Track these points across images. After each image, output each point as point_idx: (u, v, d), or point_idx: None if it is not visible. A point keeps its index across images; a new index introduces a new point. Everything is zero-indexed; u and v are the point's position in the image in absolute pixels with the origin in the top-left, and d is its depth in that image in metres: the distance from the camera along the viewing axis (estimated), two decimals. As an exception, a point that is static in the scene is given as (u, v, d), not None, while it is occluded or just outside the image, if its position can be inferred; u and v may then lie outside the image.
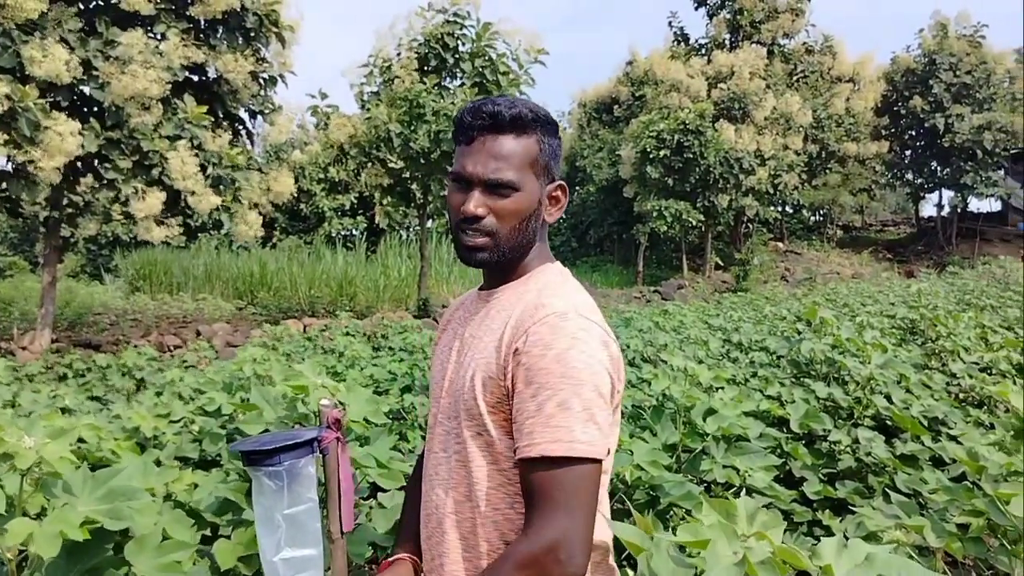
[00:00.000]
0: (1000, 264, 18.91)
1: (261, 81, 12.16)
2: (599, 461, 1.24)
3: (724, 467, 2.96)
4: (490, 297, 1.45)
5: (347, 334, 9.40)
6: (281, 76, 12.43)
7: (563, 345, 1.24)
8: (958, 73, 28.97)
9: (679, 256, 28.56)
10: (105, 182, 10.42)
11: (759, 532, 1.23)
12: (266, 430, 2.11)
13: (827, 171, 30.65)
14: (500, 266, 1.43)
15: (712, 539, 1.21)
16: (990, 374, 4.48)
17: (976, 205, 34.95)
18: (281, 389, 1.98)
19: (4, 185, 10.44)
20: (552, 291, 1.36)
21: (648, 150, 24.62)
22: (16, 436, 1.60)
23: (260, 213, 12.30)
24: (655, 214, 24.65)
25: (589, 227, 32.79)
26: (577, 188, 33.87)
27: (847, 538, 1.27)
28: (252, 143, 13.18)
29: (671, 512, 2.70)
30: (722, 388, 3.51)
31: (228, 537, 1.86)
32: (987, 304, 9.26)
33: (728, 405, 3.18)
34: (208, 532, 2.03)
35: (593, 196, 32.21)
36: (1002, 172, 30.27)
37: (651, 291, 23.46)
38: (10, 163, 9.99)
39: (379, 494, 2.36)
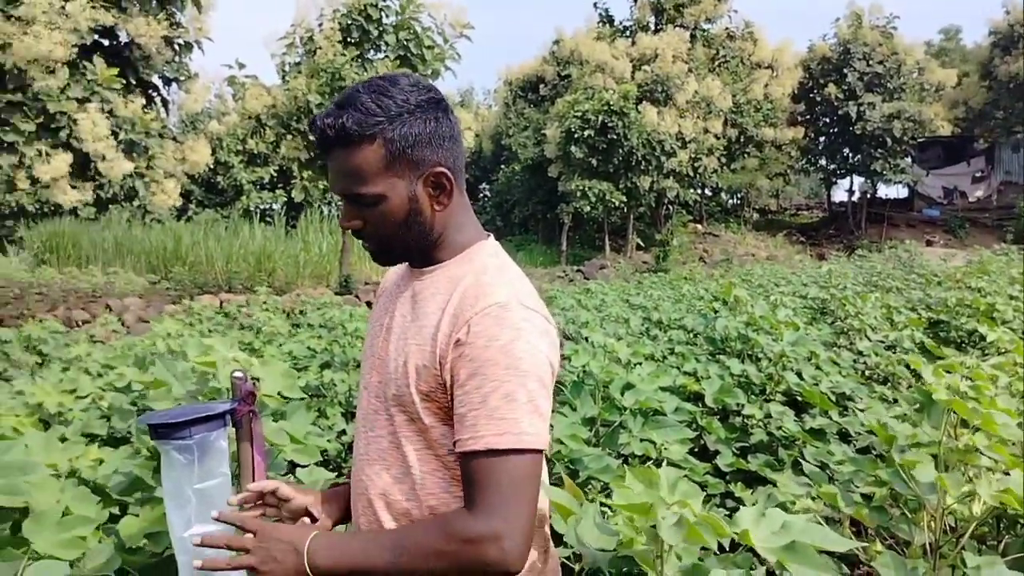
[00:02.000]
0: (906, 248, 19.76)
1: (176, 47, 11.75)
2: (542, 452, 1.24)
3: (641, 440, 3.01)
4: (421, 275, 1.39)
5: (265, 310, 9.20)
6: (197, 43, 12.03)
7: (507, 337, 1.22)
8: (871, 63, 30.00)
9: (602, 236, 28.89)
10: (5, 145, 9.91)
11: (681, 500, 1.26)
12: (177, 404, 2.05)
13: (745, 155, 31.43)
14: (413, 256, 1.39)
15: (650, 503, 1.23)
16: (894, 352, 4.68)
17: (884, 191, 36.40)
18: (191, 363, 1.92)
19: None
20: (490, 278, 1.31)
21: (573, 130, 24.78)
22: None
23: (177, 183, 11.92)
24: (579, 194, 24.86)
25: (514, 206, 32.84)
26: (502, 167, 33.86)
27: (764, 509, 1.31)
28: (167, 111, 12.74)
29: (589, 485, 2.73)
30: (640, 364, 3.57)
31: (136, 515, 1.79)
32: (893, 286, 9.65)
33: (646, 380, 3.23)
34: (116, 511, 1.96)
35: (518, 175, 32.25)
36: (909, 159, 31.62)
37: (574, 270, 23.70)
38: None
39: (297, 470, 2.32)
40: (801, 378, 3.88)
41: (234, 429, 1.45)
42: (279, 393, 1.95)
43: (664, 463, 2.89)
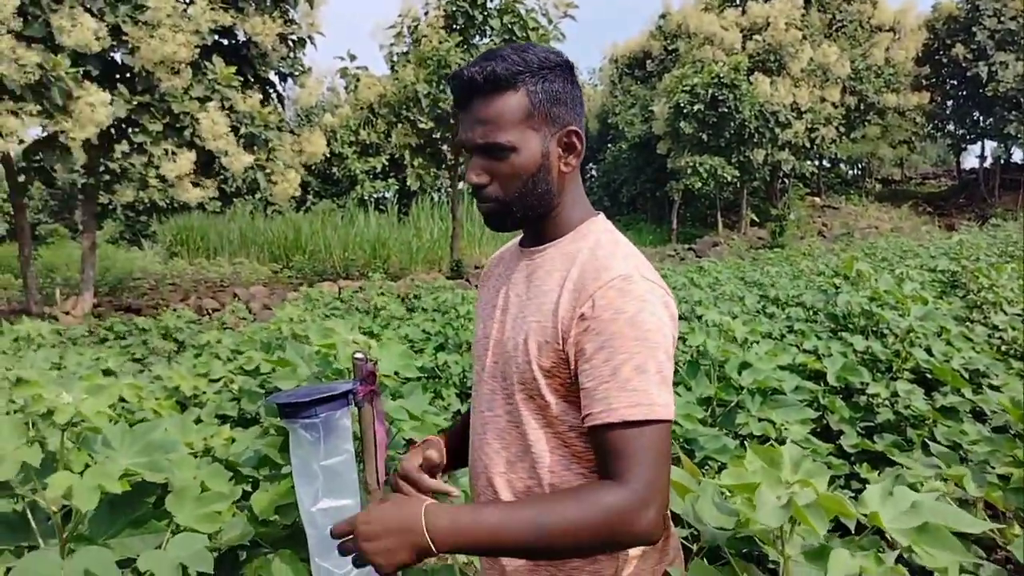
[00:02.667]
0: (1045, 215, 18.43)
1: (290, 43, 12.14)
2: (671, 421, 1.23)
3: (759, 420, 2.94)
4: (534, 255, 1.39)
5: (381, 295, 9.46)
6: (310, 38, 12.39)
7: (633, 308, 1.21)
8: (1002, 19, 28.02)
9: (714, 213, 28.26)
10: (136, 146, 10.52)
11: (803, 479, 1.22)
12: (299, 385, 2.13)
13: (866, 123, 29.98)
14: (532, 223, 1.38)
15: (762, 483, 1.20)
16: (1034, 326, 4.38)
17: (1020, 156, 34.06)
18: (315, 346, 2.00)
19: (39, 155, 10.58)
20: (607, 251, 1.31)
21: (682, 105, 24.27)
22: (55, 393, 1.63)
23: (296, 173, 12.37)
24: (689, 170, 24.37)
25: (621, 185, 32.50)
26: (609, 146, 33.54)
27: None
28: (283, 106, 13.20)
29: (706, 466, 2.69)
30: (757, 342, 3.48)
31: (266, 491, 1.88)
32: (1031, 256, 9.04)
33: (763, 359, 3.15)
34: (248, 488, 2.06)
35: (625, 153, 31.88)
36: (1048, 121, 29.41)
37: (685, 249, 23.28)
38: (44, 132, 10.13)
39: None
40: (930, 354, 3.69)
41: (356, 408, 1.49)
42: (396, 373, 2.00)
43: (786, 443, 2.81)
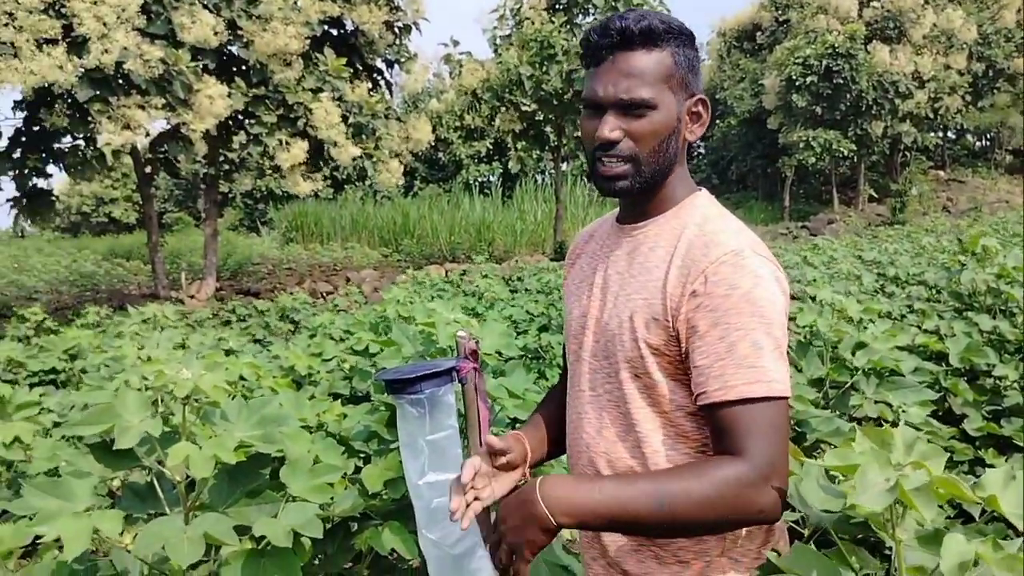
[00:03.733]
0: None
1: (396, 30, 12.37)
2: (789, 398, 1.20)
3: (875, 402, 2.82)
4: (635, 231, 1.37)
5: (485, 276, 9.58)
6: (415, 24, 12.59)
7: (748, 284, 1.19)
8: None
9: (829, 189, 27.19)
10: (252, 137, 10.97)
11: (917, 462, 1.16)
12: (406, 362, 2.19)
13: (995, 91, 28.09)
14: (642, 194, 1.34)
15: (862, 465, 1.15)
16: None
17: None
18: (419, 326, 2.05)
19: (164, 146, 11.19)
20: (715, 226, 1.28)
21: (794, 77, 23.41)
22: (175, 369, 1.73)
23: (401, 162, 12.63)
24: (802, 145, 23.51)
25: (731, 162, 31.68)
26: (717, 122, 32.68)
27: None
28: (391, 93, 13.48)
29: (819, 449, 2.60)
30: (873, 322, 3.33)
31: (375, 465, 1.95)
32: None
33: (880, 339, 3.01)
34: (360, 463, 2.14)
35: (735, 129, 31.04)
36: None
37: (798, 227, 22.51)
38: (168, 124, 10.70)
39: (516, 426, 2.41)
40: (1066, 335, 3.45)
41: (459, 385, 1.52)
42: (498, 352, 2.03)
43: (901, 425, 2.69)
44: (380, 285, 13.01)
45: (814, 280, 5.59)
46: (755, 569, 1.28)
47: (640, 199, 1.36)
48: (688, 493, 1.14)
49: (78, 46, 8.98)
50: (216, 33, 9.80)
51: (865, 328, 3.30)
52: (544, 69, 14.23)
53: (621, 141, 1.29)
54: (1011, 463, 2.41)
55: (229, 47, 10.77)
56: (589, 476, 1.34)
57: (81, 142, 10.62)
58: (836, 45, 22.86)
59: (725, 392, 1.17)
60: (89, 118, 9.43)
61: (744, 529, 1.28)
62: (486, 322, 2.09)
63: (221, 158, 12.03)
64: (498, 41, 15.96)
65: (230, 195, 15.02)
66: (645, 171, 1.30)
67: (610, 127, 1.28)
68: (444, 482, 1.45)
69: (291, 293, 9.74)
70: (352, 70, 11.50)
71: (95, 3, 8.86)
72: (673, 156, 1.32)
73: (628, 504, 1.15)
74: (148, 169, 12.06)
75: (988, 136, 31.89)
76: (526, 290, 7.87)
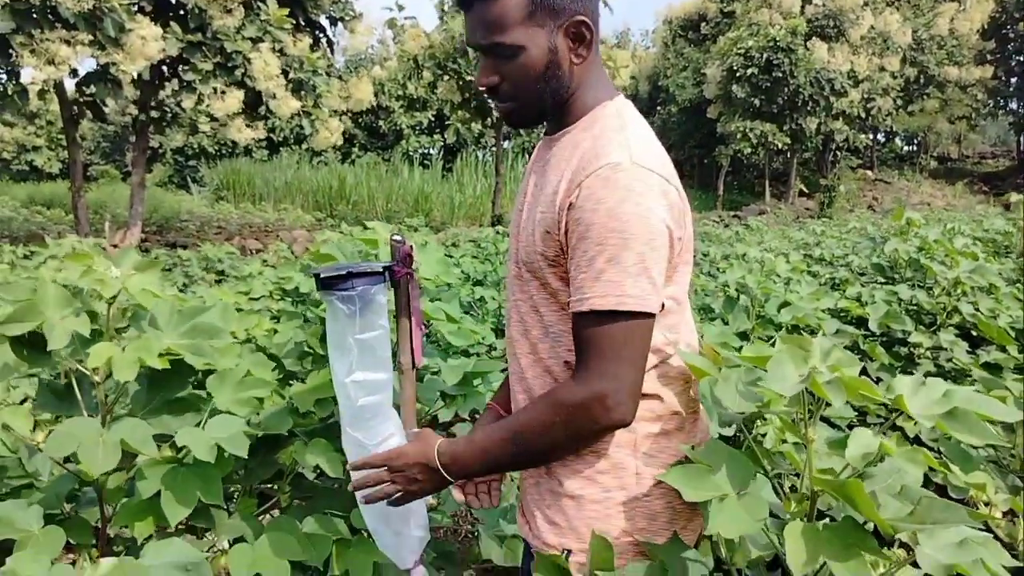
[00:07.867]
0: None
1: (342, -14, 12.12)
2: (651, 315, 1.22)
3: (797, 358, 2.91)
4: (552, 144, 1.39)
5: (425, 244, 9.52)
6: (362, -18, 12.34)
7: (615, 198, 1.19)
8: (1077, -9, 26.90)
9: (761, 182, 27.80)
10: (185, 84, 10.62)
11: (833, 365, 1.20)
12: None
13: (924, 96, 29.10)
14: (548, 116, 1.38)
15: (777, 356, 1.19)
16: (1088, 290, 4.24)
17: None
18: (358, 240, 2.02)
19: (92, 87, 10.73)
20: (607, 138, 1.27)
21: (735, 68, 23.78)
22: (104, 267, 1.67)
23: (340, 122, 12.41)
24: (739, 136, 23.95)
25: (669, 149, 31.65)
26: (659, 109, 33.05)
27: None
28: (332, 52, 13.20)
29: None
30: (799, 283, 3.43)
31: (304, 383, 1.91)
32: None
33: (805, 299, 3.11)
34: (290, 381, 2.10)
35: (675, 117, 31.42)
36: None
37: (731, 216, 22.96)
38: (97, 65, 10.26)
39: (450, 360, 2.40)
40: (977, 310, 3.61)
41: (392, 287, 1.51)
42: (436, 277, 2.01)
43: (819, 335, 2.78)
44: (311, 246, 12.80)
45: (743, 238, 5.70)
46: (671, 464, 1.32)
47: (554, 115, 1.38)
48: (532, 424, 1.28)
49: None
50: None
51: (793, 292, 3.40)
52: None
53: (500, 84, 1.32)
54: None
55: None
56: (466, 435, 1.42)
57: (3, 75, 10.13)
58: (777, 39, 23.28)
59: (580, 304, 1.22)
60: (11, 50, 8.98)
61: (657, 426, 1.33)
62: (424, 248, 2.07)
63: (152, 105, 11.62)
64: (445, 7, 15.77)
65: (160, 150, 14.53)
66: (535, 105, 1.34)
67: (485, 74, 1.32)
68: (371, 382, 1.45)
69: (216, 245, 9.50)
70: (294, 23, 11.22)
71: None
72: (562, 83, 1.32)
73: (494, 448, 1.31)
74: (75, 111, 11.58)
75: (915, 141, 33.00)
76: (462, 256, 7.84)
